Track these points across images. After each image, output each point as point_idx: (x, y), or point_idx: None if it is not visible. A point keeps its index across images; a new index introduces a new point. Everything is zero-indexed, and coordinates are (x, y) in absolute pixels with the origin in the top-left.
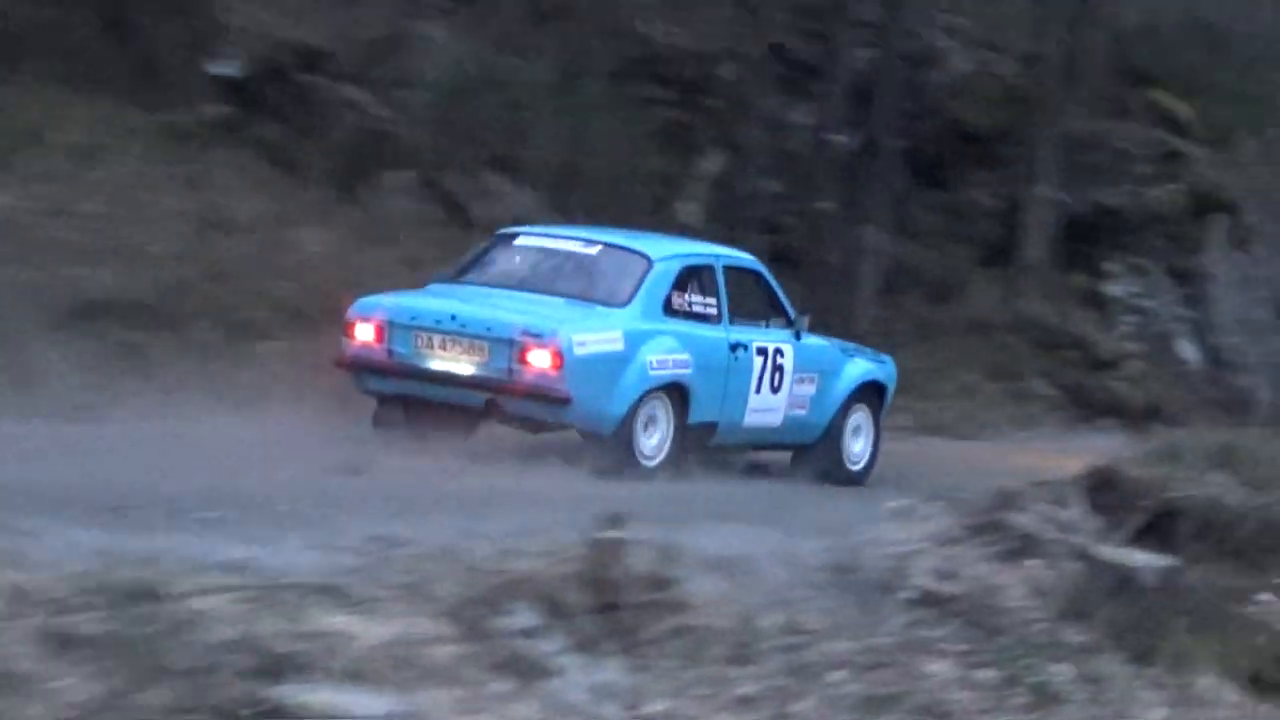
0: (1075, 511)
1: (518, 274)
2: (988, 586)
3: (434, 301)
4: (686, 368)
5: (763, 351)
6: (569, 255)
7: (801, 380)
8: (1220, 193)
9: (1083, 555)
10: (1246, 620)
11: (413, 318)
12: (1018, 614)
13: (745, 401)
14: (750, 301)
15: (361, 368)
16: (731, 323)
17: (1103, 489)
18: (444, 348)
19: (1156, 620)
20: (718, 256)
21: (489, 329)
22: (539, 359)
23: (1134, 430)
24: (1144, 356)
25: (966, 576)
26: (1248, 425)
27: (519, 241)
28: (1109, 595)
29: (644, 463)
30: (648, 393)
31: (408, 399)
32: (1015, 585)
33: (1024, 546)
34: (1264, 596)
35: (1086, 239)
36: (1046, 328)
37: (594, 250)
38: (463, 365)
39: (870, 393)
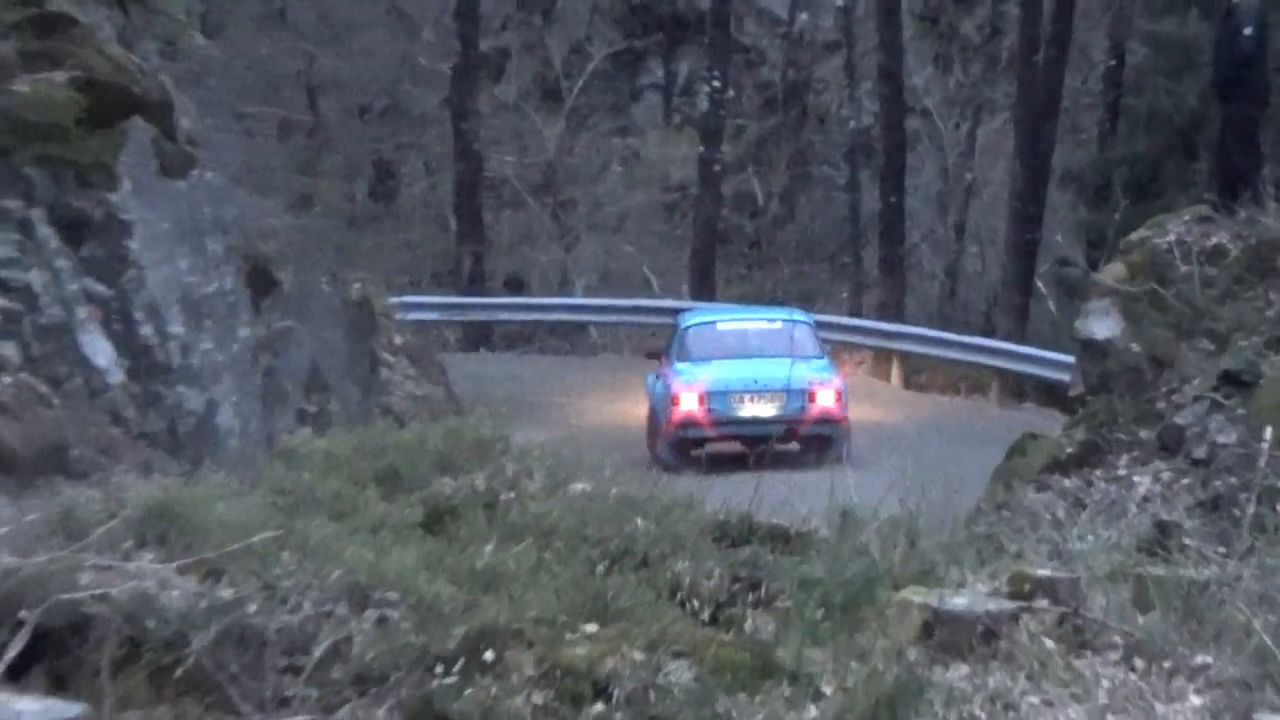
0: None
1: (740, 347)
2: None
3: (729, 373)
4: None
5: None
6: (761, 331)
7: None
8: (138, 83)
9: None
10: None
11: (725, 386)
12: None
13: None
14: None
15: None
16: None
17: None
18: (752, 401)
19: None
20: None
21: (786, 384)
22: (825, 397)
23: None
24: (28, 366)
25: None
26: (205, 471)
27: (720, 327)
28: None
29: None
30: None
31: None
32: None
33: None
34: None
35: None
36: None
37: (777, 325)
38: (767, 410)
39: None
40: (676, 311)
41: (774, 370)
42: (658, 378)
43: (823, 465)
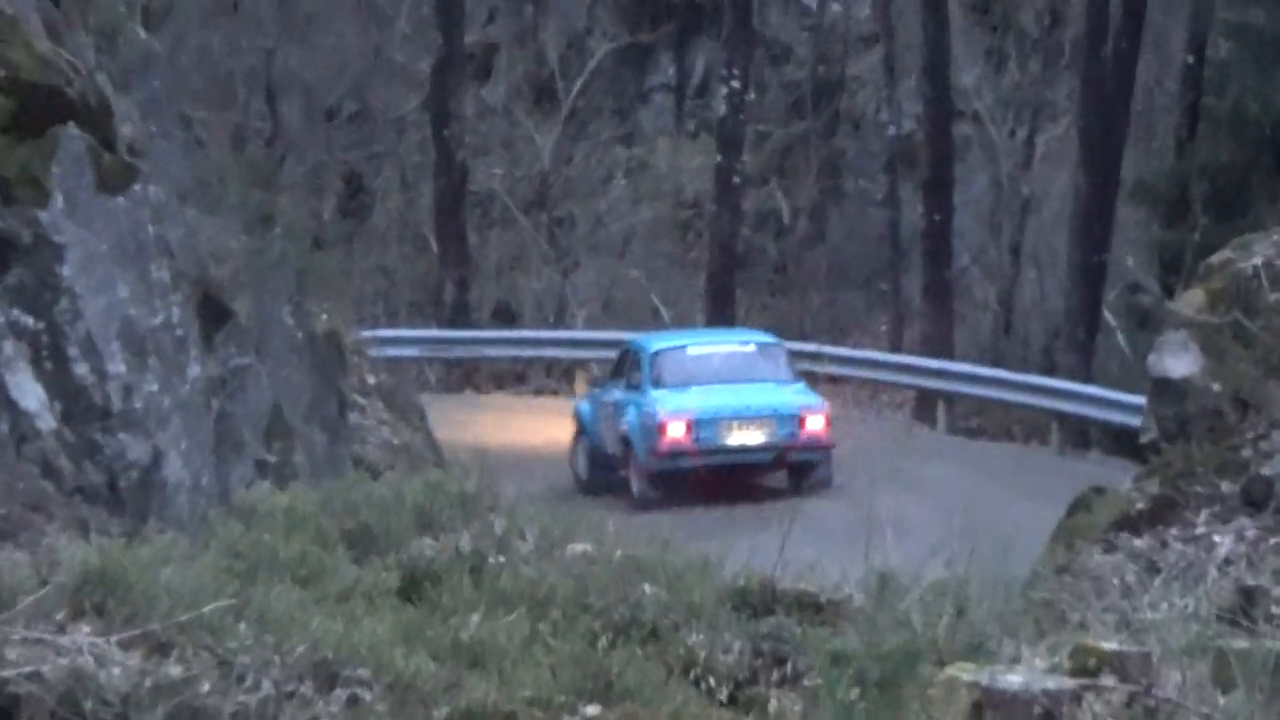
0: None
1: (716, 373)
2: None
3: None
4: None
5: None
6: (734, 355)
7: None
8: (70, 84)
9: None
10: None
11: (715, 414)
12: None
13: None
14: None
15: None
16: None
17: None
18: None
19: None
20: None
21: (776, 410)
22: (815, 423)
23: None
24: None
25: None
26: (150, 530)
27: (692, 351)
28: None
29: None
30: None
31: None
32: None
33: None
34: None
35: None
36: None
37: (750, 348)
38: (756, 437)
39: None
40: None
41: (762, 396)
42: (605, 405)
43: (808, 491)
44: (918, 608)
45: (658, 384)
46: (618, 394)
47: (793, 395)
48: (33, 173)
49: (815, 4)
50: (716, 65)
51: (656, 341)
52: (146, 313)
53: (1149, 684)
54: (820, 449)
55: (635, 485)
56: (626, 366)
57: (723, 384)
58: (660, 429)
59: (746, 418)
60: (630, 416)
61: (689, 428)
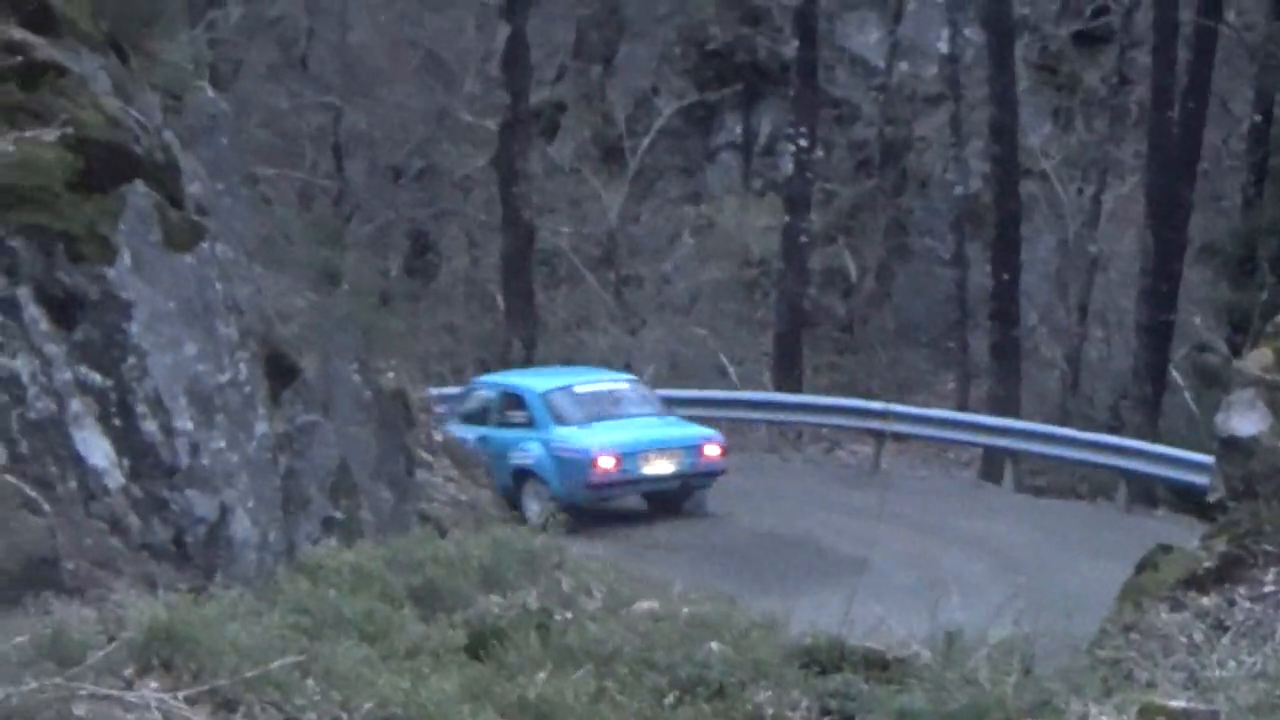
0: None
1: (609, 409)
2: None
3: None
4: None
5: None
6: (617, 392)
7: None
8: (138, 142)
9: None
10: None
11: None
12: None
13: None
14: None
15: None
16: None
17: None
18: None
19: None
20: None
21: (683, 441)
22: (712, 450)
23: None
24: (13, 467)
25: None
26: (217, 587)
27: (579, 390)
28: None
29: None
30: None
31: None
32: None
33: None
34: None
35: None
36: None
37: (625, 385)
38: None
39: None
40: (756, 405)
41: (668, 429)
42: (485, 442)
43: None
44: (985, 666)
45: (560, 421)
46: (498, 433)
47: (690, 428)
48: (100, 230)
49: (882, 64)
50: (783, 124)
51: (534, 382)
52: (213, 370)
53: None
54: (713, 475)
55: (533, 515)
56: (497, 406)
57: (623, 419)
58: (592, 463)
59: (661, 449)
60: (534, 452)
61: (618, 461)
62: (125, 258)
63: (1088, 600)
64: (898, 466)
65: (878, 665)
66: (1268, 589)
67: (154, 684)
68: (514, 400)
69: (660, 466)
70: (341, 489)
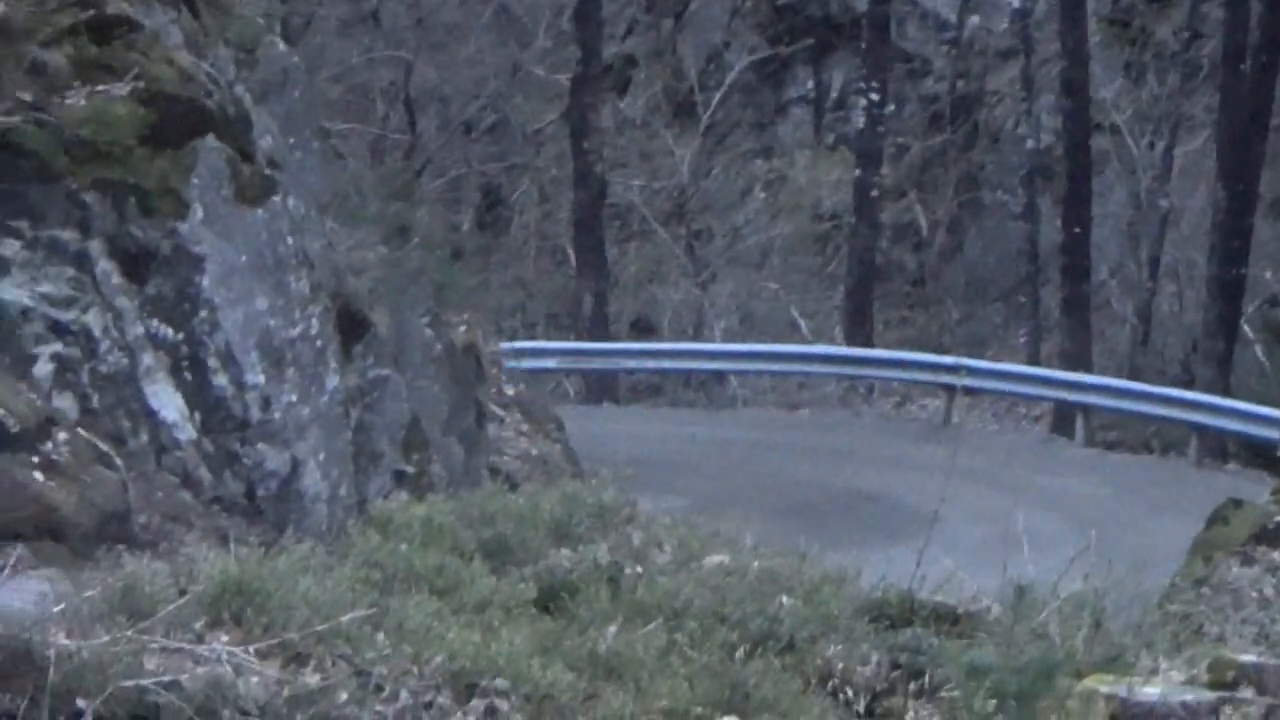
0: None
1: None
2: None
3: None
4: None
5: None
6: None
7: None
8: (210, 96)
9: None
10: None
11: None
12: None
13: None
14: None
15: None
16: None
17: None
18: None
19: None
20: None
21: None
22: None
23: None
24: (86, 421)
25: None
26: (288, 541)
27: None
28: None
29: None
30: None
31: None
32: None
33: None
34: None
35: None
36: None
37: None
38: None
39: None
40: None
41: None
42: None
43: None
44: (1055, 620)
45: None
46: None
47: None
48: (172, 185)
49: (954, 18)
50: (855, 79)
51: None
52: (285, 324)
53: None
54: None
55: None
56: None
57: None
58: None
59: None
60: None
61: None
62: (197, 212)
63: (1158, 554)
64: (969, 421)
65: (948, 619)
66: None
67: (224, 637)
68: None
69: None
70: (412, 443)
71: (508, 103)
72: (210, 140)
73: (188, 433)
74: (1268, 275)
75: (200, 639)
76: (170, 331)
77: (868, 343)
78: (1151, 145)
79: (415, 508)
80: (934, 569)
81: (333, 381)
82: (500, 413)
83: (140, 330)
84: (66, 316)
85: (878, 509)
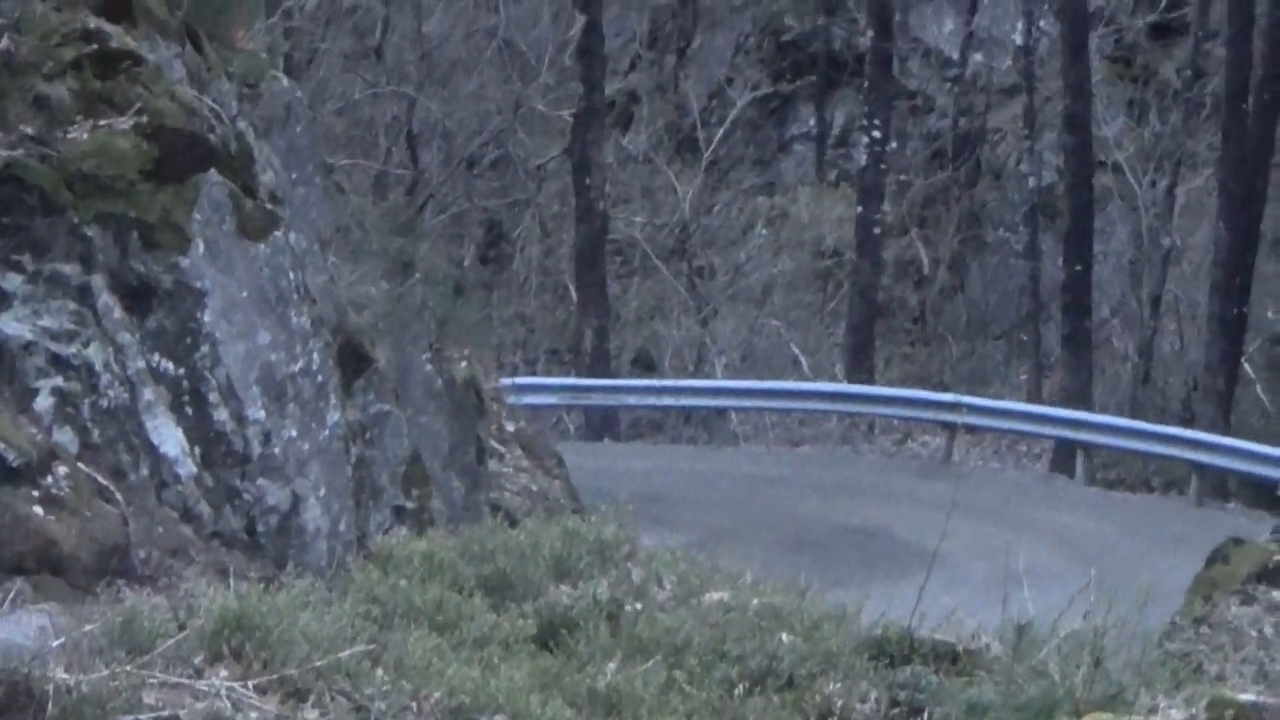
0: None
1: None
2: None
3: None
4: None
5: None
6: None
7: None
8: (213, 131)
9: None
10: None
11: None
12: None
13: None
14: None
15: None
16: None
17: None
18: None
19: None
20: None
21: None
22: None
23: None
24: (86, 455)
25: None
26: (288, 576)
27: None
28: None
29: None
30: None
31: None
32: None
33: None
34: None
35: None
36: None
37: None
38: None
39: None
40: (829, 396)
41: None
42: None
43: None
44: (1055, 658)
45: None
46: None
47: None
48: (174, 219)
49: (957, 55)
50: (857, 115)
51: None
52: (286, 359)
53: None
54: None
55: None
56: None
57: None
58: None
59: None
60: None
61: None
62: (199, 246)
63: (1159, 593)
64: (969, 458)
65: (948, 657)
66: None
67: (224, 672)
68: None
69: None
70: (413, 478)
71: (510, 138)
72: (213, 175)
73: (188, 467)
74: (1269, 314)
75: (199, 674)
76: (171, 366)
77: (869, 380)
78: (1154, 183)
79: (415, 543)
80: (935, 606)
81: (334, 417)
82: (501, 448)
83: (141, 364)
84: (68, 350)
85: (879, 545)
